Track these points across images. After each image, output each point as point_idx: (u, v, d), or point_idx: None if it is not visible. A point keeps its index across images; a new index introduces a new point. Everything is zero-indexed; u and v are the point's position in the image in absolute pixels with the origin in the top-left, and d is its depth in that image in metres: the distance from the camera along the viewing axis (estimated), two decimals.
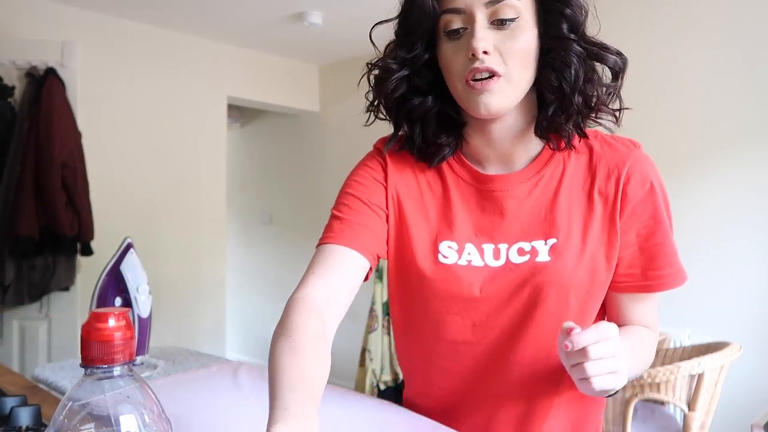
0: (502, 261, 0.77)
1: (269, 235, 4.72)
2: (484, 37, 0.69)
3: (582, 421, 0.85)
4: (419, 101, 0.77)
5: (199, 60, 3.72)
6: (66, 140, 2.58)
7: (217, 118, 3.84)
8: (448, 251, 0.77)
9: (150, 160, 3.50)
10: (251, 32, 3.62)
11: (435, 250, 0.78)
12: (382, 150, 0.84)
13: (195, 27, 3.54)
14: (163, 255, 3.55)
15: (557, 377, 0.78)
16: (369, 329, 2.99)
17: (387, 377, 2.97)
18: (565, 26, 0.73)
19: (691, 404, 1.97)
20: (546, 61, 0.73)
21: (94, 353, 0.46)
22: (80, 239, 2.66)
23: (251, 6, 3.20)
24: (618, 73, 0.78)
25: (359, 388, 2.96)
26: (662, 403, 2.24)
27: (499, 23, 0.70)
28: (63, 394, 1.03)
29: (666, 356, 2.43)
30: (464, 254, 0.77)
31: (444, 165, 0.82)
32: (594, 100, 0.75)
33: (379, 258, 0.80)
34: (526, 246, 0.76)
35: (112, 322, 0.46)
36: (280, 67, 4.11)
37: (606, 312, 0.83)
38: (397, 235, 0.81)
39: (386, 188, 0.82)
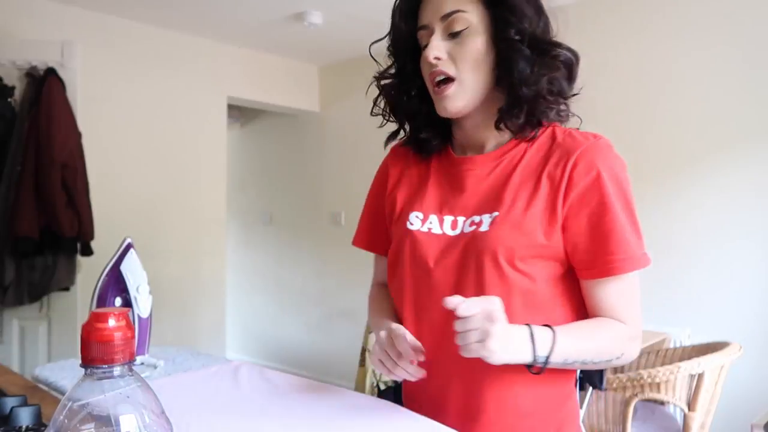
0: (458, 231, 0.88)
1: (269, 235, 4.72)
2: (437, 46, 0.84)
3: (538, 399, 0.87)
4: (408, 103, 0.93)
5: (199, 60, 3.72)
6: (66, 140, 2.58)
7: (217, 118, 3.84)
8: (414, 220, 0.92)
9: (150, 160, 3.50)
10: (251, 32, 3.62)
11: (406, 219, 0.93)
12: (387, 158, 1.03)
13: (195, 27, 3.54)
14: (163, 255, 3.55)
15: None
16: (369, 329, 2.99)
17: (387, 377, 2.96)
18: (511, 31, 0.83)
19: (691, 404, 1.97)
20: (497, 63, 0.85)
21: (94, 353, 0.46)
22: (80, 239, 2.65)
23: (251, 6, 3.20)
24: (571, 68, 0.87)
25: (359, 388, 2.95)
26: (662, 403, 2.24)
27: (452, 34, 0.84)
28: (63, 394, 1.03)
29: (666, 356, 2.43)
30: (426, 223, 0.91)
31: (434, 155, 0.97)
32: (544, 92, 0.83)
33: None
34: (477, 218, 0.86)
35: (112, 322, 0.46)
36: (280, 67, 4.11)
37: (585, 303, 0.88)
38: (390, 217, 0.99)
39: (386, 188, 1.01)
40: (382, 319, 0.93)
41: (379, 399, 0.96)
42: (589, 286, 0.85)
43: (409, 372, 0.82)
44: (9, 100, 2.63)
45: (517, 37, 0.83)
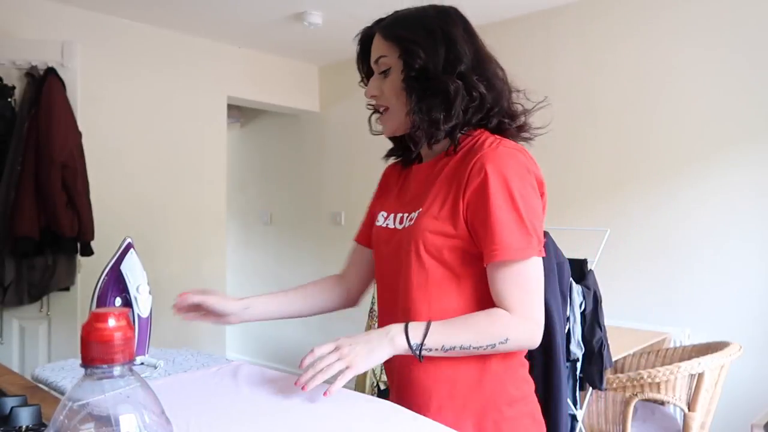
0: (402, 225, 1.05)
1: (269, 235, 4.72)
2: (371, 86, 1.07)
3: (439, 381, 1.00)
4: None
5: (199, 60, 3.72)
6: (66, 140, 2.58)
7: (217, 118, 3.84)
8: (380, 218, 1.12)
9: (150, 160, 3.50)
10: (251, 32, 3.62)
11: (375, 218, 1.13)
12: (388, 167, 1.23)
13: (195, 27, 3.54)
14: (163, 255, 3.55)
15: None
16: (368, 329, 3.00)
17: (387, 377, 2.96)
18: (413, 69, 1.01)
19: (691, 404, 1.97)
20: (407, 94, 1.03)
21: (94, 353, 0.46)
22: (80, 239, 2.65)
23: (251, 6, 3.20)
24: (452, 96, 0.99)
25: (359, 388, 2.95)
26: (662, 403, 2.25)
27: (382, 74, 1.06)
28: (63, 394, 1.03)
29: (666, 356, 2.43)
30: (387, 220, 1.10)
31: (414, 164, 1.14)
32: (433, 118, 1.00)
33: None
34: (411, 215, 1.04)
35: (112, 322, 0.46)
36: (280, 67, 4.11)
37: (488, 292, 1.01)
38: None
39: (378, 195, 1.21)
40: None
41: (379, 399, 0.96)
42: (488, 271, 0.97)
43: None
44: (9, 100, 2.63)
45: (413, 74, 1.01)
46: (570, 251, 1.87)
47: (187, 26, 3.52)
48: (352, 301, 1.24)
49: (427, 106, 1.00)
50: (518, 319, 0.93)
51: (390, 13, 1.09)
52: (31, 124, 2.56)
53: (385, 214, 1.11)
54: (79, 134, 2.68)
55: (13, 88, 2.65)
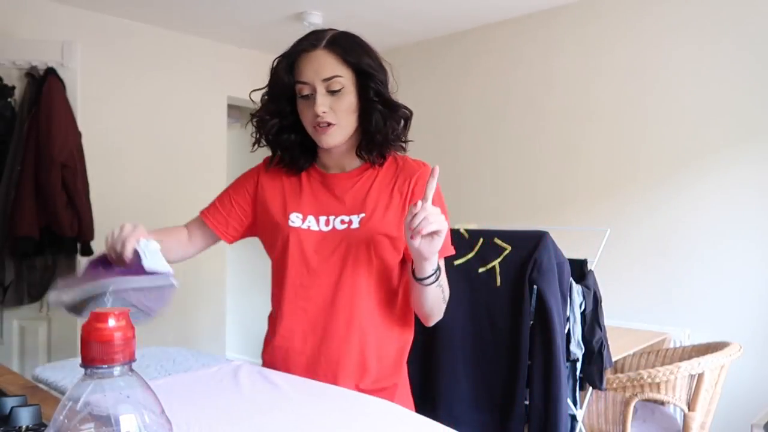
0: (330, 227, 1.17)
1: None
2: (322, 103, 1.11)
3: (381, 357, 1.19)
4: (286, 137, 1.22)
5: (199, 60, 3.72)
6: (66, 140, 2.58)
7: (217, 118, 3.84)
8: (295, 219, 1.19)
9: (150, 160, 3.49)
10: (251, 32, 3.62)
11: (286, 217, 1.19)
12: (262, 166, 1.31)
13: (195, 27, 3.54)
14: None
15: (365, 311, 1.16)
16: None
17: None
18: (371, 92, 1.13)
19: (691, 404, 1.97)
20: (361, 113, 1.15)
21: (94, 353, 0.46)
22: (80, 239, 2.65)
23: (251, 6, 3.20)
24: (406, 121, 1.20)
25: None
26: (662, 403, 2.25)
27: (331, 92, 1.12)
28: (63, 394, 1.03)
29: (666, 356, 2.43)
30: (306, 221, 1.18)
31: (303, 171, 1.25)
32: (390, 138, 1.17)
33: (235, 237, 1.28)
34: (346, 218, 1.17)
35: (112, 322, 0.46)
36: None
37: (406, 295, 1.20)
38: (262, 217, 1.24)
39: (254, 190, 1.28)
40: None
41: (379, 399, 0.97)
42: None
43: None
44: (9, 100, 2.63)
45: (375, 98, 1.13)
46: (570, 251, 1.87)
47: (187, 26, 3.53)
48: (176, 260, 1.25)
49: (390, 126, 1.15)
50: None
51: (323, 31, 1.15)
52: (31, 124, 2.57)
53: (301, 216, 1.18)
54: (79, 134, 2.68)
55: (13, 88, 2.65)
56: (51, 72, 2.63)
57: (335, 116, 1.12)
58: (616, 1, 2.98)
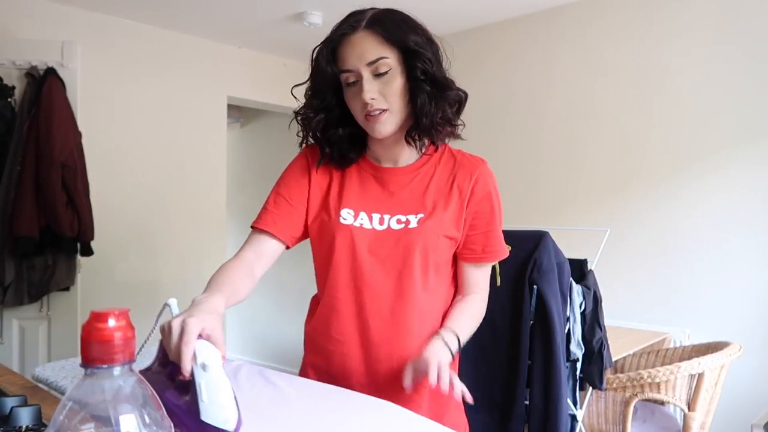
0: (384, 226, 1.10)
1: None
2: (370, 89, 1.03)
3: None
4: (333, 132, 1.12)
5: (200, 60, 3.71)
6: (66, 140, 2.58)
7: (217, 118, 3.84)
8: (347, 215, 1.10)
9: (150, 160, 3.49)
10: (251, 32, 3.62)
11: (337, 213, 1.11)
12: (310, 159, 1.20)
13: (195, 27, 3.54)
14: (163, 255, 3.55)
15: (413, 310, 1.10)
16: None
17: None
18: (418, 72, 1.04)
19: (691, 404, 1.97)
20: (410, 96, 1.06)
21: (94, 353, 0.46)
22: (80, 239, 2.65)
23: (251, 6, 3.20)
24: (460, 104, 1.09)
25: None
26: (662, 403, 2.25)
27: (378, 75, 1.03)
28: (63, 394, 1.03)
29: (666, 356, 2.43)
30: (358, 219, 1.10)
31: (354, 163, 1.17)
32: (437, 122, 1.06)
33: (297, 239, 1.17)
34: (403, 218, 1.10)
35: (112, 322, 0.46)
36: (280, 67, 4.11)
37: (456, 278, 1.18)
38: (311, 214, 1.15)
39: (308, 184, 1.17)
40: (215, 295, 0.94)
41: (379, 399, 0.96)
42: (465, 266, 1.16)
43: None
44: (9, 100, 2.63)
45: (422, 77, 1.04)
46: (570, 251, 1.87)
47: (187, 26, 3.52)
48: None
49: (439, 108, 1.06)
50: (482, 298, 1.19)
51: (363, 11, 1.06)
52: (31, 124, 2.56)
53: (353, 213, 1.10)
54: (79, 134, 2.68)
55: (13, 88, 2.65)
56: (51, 72, 2.63)
57: (386, 101, 1.04)
58: (618, 1, 2.98)
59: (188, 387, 0.71)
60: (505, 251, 1.17)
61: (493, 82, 3.44)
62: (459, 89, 1.08)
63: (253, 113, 4.71)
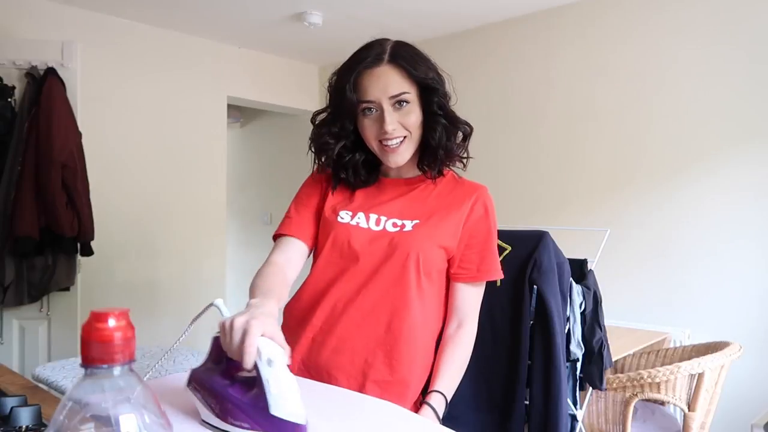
0: (380, 227, 1.15)
1: (269, 235, 4.70)
2: (392, 121, 1.10)
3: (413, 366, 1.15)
4: (350, 157, 1.18)
5: (200, 60, 3.72)
6: (66, 140, 2.58)
7: (217, 118, 3.84)
8: (345, 215, 1.17)
9: (150, 160, 3.50)
10: (251, 32, 3.62)
11: (336, 214, 1.17)
12: (318, 175, 1.26)
13: (195, 27, 3.54)
14: (164, 255, 3.55)
15: (402, 305, 1.12)
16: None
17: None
18: (434, 106, 1.12)
19: (691, 404, 1.97)
20: (425, 127, 1.14)
21: (94, 353, 0.46)
22: (80, 239, 2.65)
23: (251, 6, 3.20)
24: (466, 136, 1.19)
25: None
26: (662, 403, 2.25)
27: (398, 105, 1.10)
28: (63, 394, 1.03)
29: (666, 356, 2.43)
30: (354, 218, 1.16)
31: None
32: (451, 152, 1.16)
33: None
34: (399, 222, 1.15)
35: (112, 322, 0.46)
36: (280, 67, 4.11)
37: (447, 299, 1.20)
38: (323, 216, 1.21)
39: (323, 194, 1.24)
40: (269, 299, 0.96)
41: (378, 399, 0.96)
42: (459, 286, 1.18)
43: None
44: (9, 100, 2.63)
45: (439, 112, 1.12)
46: (570, 251, 1.87)
47: (187, 26, 3.53)
48: None
49: (452, 141, 1.15)
50: (470, 332, 1.19)
51: (381, 43, 1.13)
52: (31, 124, 2.57)
53: (350, 213, 1.16)
54: (79, 134, 2.68)
55: (13, 88, 2.65)
56: (51, 72, 2.63)
57: (404, 129, 1.11)
58: (618, 1, 2.98)
59: (252, 383, 0.73)
60: (499, 272, 1.19)
61: (493, 82, 3.44)
62: (466, 124, 1.18)
63: (253, 113, 4.71)
